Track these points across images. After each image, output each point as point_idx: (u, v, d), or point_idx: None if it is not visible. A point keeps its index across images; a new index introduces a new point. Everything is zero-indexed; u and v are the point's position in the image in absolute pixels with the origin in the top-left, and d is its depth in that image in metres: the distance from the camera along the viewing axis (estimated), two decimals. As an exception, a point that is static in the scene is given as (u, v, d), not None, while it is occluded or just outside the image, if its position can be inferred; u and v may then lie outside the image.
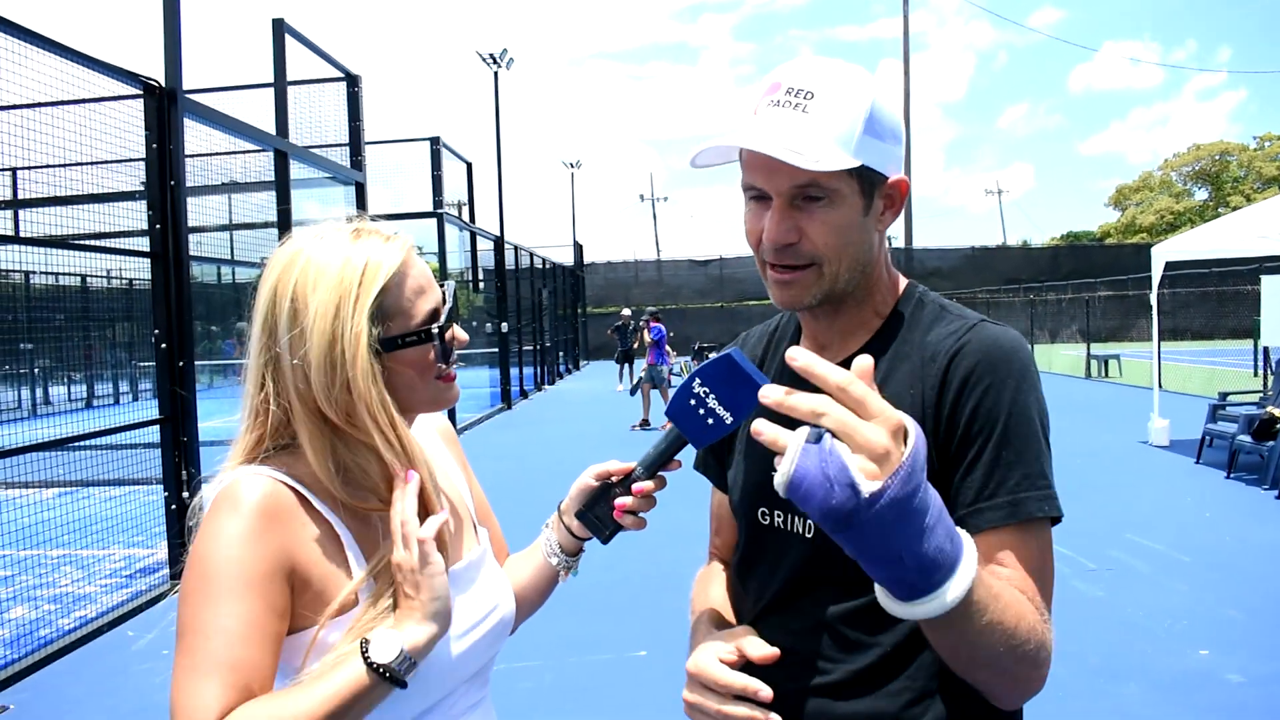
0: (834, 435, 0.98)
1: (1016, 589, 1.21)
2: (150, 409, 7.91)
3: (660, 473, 1.44)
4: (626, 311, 24.14)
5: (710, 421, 1.30)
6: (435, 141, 16.31)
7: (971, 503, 1.28)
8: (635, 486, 1.44)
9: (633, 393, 16.99)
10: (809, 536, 1.41)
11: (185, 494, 6.89)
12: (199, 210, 9.38)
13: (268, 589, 1.21)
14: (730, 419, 1.29)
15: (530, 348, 24.40)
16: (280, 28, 9.52)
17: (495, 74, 27.60)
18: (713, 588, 1.65)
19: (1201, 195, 59.26)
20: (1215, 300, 36.59)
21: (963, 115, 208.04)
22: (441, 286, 1.42)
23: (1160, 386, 13.38)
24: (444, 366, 1.38)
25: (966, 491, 1.29)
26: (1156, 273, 12.41)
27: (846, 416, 0.97)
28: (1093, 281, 31.39)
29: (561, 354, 30.78)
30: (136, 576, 7.37)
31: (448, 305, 1.40)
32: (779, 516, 1.47)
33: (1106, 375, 23.76)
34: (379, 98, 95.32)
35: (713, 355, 1.34)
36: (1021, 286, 35.69)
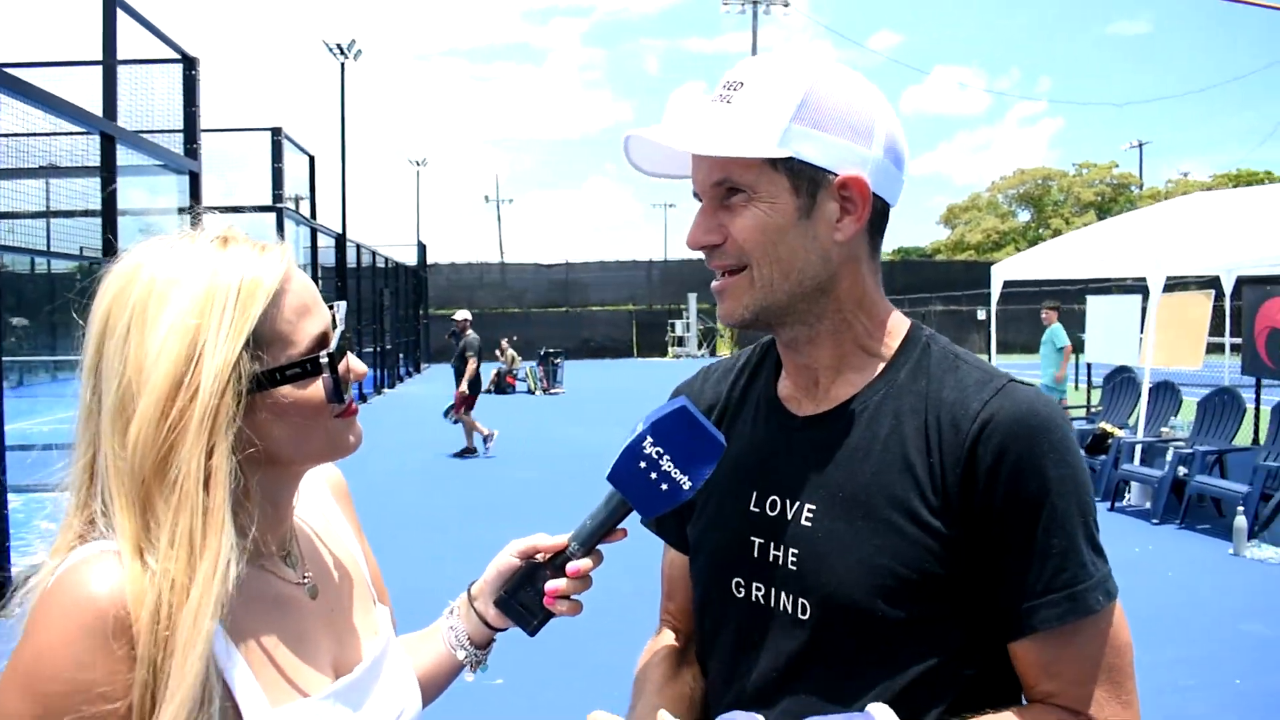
0: None
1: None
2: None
3: (599, 546, 1.22)
4: (464, 314, 23.61)
5: (664, 487, 1.11)
6: (277, 132, 15.62)
7: (1022, 599, 1.12)
8: (570, 567, 1.21)
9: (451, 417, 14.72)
10: (803, 618, 1.19)
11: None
12: (10, 195, 8.65)
13: None
14: (688, 484, 1.12)
15: (371, 349, 23.67)
16: (111, 1, 8.85)
17: (342, 65, 26.84)
18: (651, 665, 1.40)
19: (1025, 216, 62.53)
20: (1041, 317, 38.62)
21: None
22: (331, 307, 1.15)
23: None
24: (338, 404, 1.11)
25: (1015, 587, 1.13)
26: (995, 290, 12.87)
27: None
28: (928, 296, 32.66)
29: (403, 356, 30.02)
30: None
31: (338, 329, 1.12)
32: (759, 590, 1.25)
33: (939, 387, 24.42)
34: (218, 83, 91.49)
35: (664, 407, 1.14)
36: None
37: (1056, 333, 12.56)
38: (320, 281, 20.59)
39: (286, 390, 1.05)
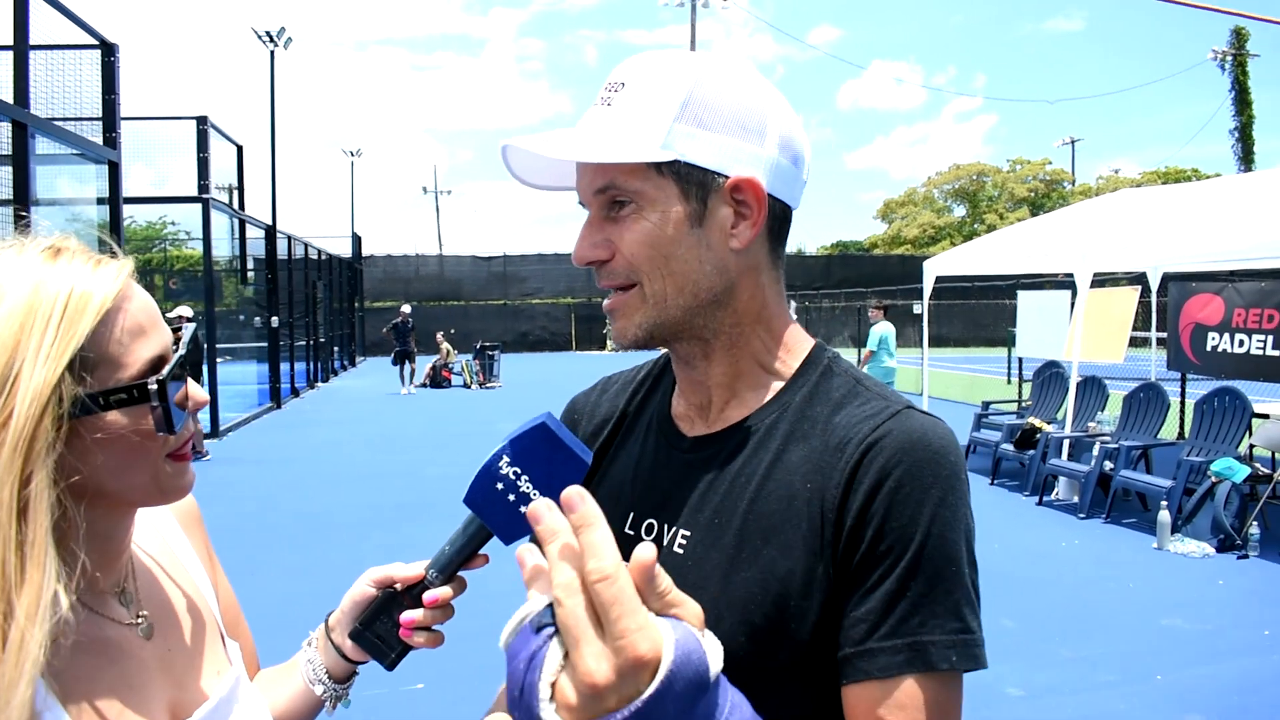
0: (558, 632, 0.68)
1: None
2: None
3: (461, 573, 1.13)
4: (405, 308, 23.34)
5: (523, 510, 1.01)
6: (202, 121, 15.21)
7: (861, 640, 1.00)
8: (427, 596, 1.12)
9: None
10: None
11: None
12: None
13: None
14: None
15: (303, 343, 23.25)
16: (21, -16, 8.53)
17: (271, 53, 26.29)
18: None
19: (960, 211, 63.37)
20: (974, 311, 39.25)
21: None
22: (176, 328, 1.04)
23: (927, 394, 14.02)
24: (170, 438, 1.00)
25: (858, 626, 1.01)
26: (928, 285, 12.96)
27: (578, 619, 0.66)
28: (863, 290, 32.92)
29: (337, 350, 29.58)
30: None
31: (180, 352, 1.01)
32: None
33: (875, 380, 24.62)
34: (140, 70, 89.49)
35: (526, 423, 1.05)
36: (797, 293, 37.03)
37: (875, 334, 13.01)
38: (250, 274, 20.20)
39: (113, 417, 0.96)
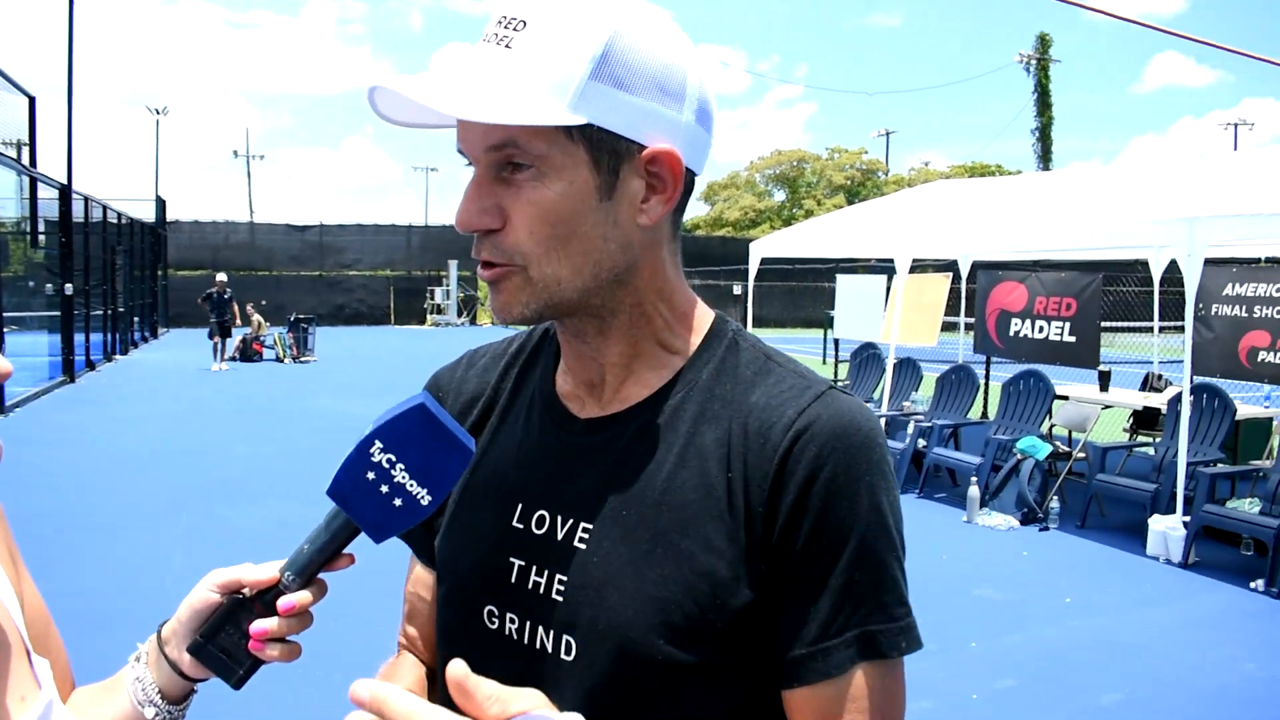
0: None
1: None
2: None
3: (322, 574, 0.99)
4: (222, 277, 22.14)
5: (397, 502, 0.90)
6: (-12, 67, 14.02)
7: (815, 640, 0.94)
8: (283, 603, 0.96)
9: None
10: (566, 659, 0.99)
11: None
12: None
13: None
14: (427, 499, 0.90)
15: (100, 312, 21.82)
16: None
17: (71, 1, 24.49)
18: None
19: (780, 196, 65.13)
20: (794, 294, 40.46)
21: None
22: None
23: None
24: None
25: (808, 627, 0.94)
26: (753, 266, 13.17)
27: None
28: (690, 271, 33.27)
29: (137, 320, 27.91)
30: None
31: None
32: (512, 622, 1.03)
33: (697, 360, 25.02)
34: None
35: (398, 405, 0.91)
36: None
37: None
38: (42, 236, 18.78)
39: None
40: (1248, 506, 7.07)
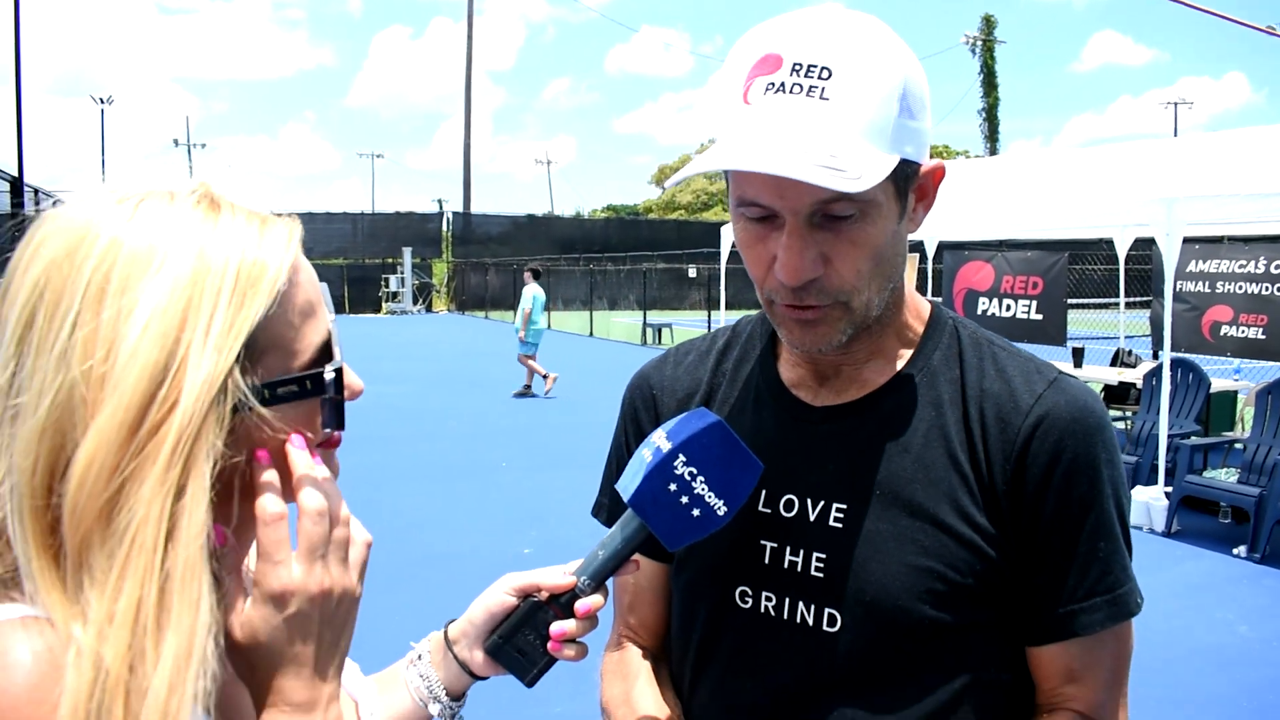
0: None
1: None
2: None
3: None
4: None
5: (696, 513, 0.98)
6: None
7: (1065, 603, 1.06)
8: (580, 606, 1.04)
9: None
10: (830, 630, 1.08)
11: None
12: None
13: None
14: (724, 509, 0.99)
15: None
16: None
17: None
18: (638, 689, 1.23)
19: (732, 179, 65.00)
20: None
21: (511, 84, 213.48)
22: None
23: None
24: (330, 431, 0.85)
25: (1061, 591, 1.07)
26: (725, 249, 13.28)
27: None
28: (650, 254, 33.42)
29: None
30: None
31: (335, 334, 0.86)
32: (769, 600, 1.12)
33: (660, 342, 25.17)
34: None
35: (687, 421, 0.99)
36: (581, 256, 37.14)
37: (529, 295, 14.21)
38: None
39: (279, 413, 0.80)
40: (1224, 476, 7.32)
